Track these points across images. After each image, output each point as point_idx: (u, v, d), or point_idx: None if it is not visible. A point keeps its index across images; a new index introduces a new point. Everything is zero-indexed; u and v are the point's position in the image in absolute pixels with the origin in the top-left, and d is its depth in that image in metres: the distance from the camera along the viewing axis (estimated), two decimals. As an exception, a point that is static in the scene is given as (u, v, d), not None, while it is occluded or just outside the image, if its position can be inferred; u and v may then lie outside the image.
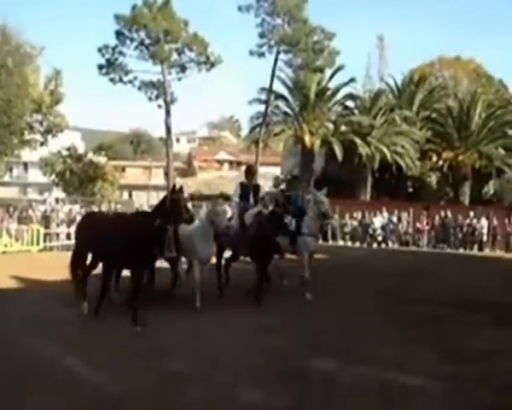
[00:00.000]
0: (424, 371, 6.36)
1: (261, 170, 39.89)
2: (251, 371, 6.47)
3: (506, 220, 30.26)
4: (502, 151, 38.25)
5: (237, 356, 7.12)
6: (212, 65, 40.82)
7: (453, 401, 5.52)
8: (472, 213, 30.48)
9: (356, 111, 39.73)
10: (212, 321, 8.97)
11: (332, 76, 39.38)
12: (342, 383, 6.06)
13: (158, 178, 56.97)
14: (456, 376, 6.15)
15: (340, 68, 38.89)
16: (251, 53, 40.14)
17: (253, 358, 7.02)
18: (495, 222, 30.29)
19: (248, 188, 11.18)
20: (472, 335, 8.29)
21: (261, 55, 40.03)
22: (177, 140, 73.37)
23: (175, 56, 40.30)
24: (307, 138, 36.78)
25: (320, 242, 29.98)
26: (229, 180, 49.64)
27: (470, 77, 46.69)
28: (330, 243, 30.45)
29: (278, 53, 39.66)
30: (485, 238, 30.07)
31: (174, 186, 9.18)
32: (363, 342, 7.77)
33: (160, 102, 40.86)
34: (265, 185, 43.46)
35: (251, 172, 11.68)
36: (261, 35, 40.01)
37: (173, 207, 8.63)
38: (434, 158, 38.45)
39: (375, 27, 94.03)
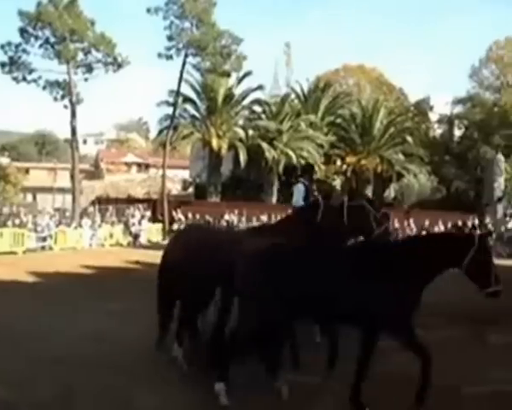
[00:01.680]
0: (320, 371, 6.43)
1: (169, 173, 39.76)
2: (149, 376, 6.41)
3: (406, 222, 31.56)
4: (401, 156, 40.03)
5: (134, 359, 7.06)
6: (120, 66, 40.13)
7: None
8: (374, 216, 31.59)
9: (263, 116, 40.35)
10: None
11: (240, 81, 39.83)
12: (236, 383, 5.97)
13: (63, 181, 55.37)
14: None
15: (247, 74, 39.37)
16: (159, 55, 39.77)
17: (151, 361, 6.98)
18: (396, 224, 31.52)
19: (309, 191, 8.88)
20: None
21: (169, 57, 39.73)
22: (85, 142, 71.57)
23: (81, 56, 39.28)
24: (215, 142, 37.08)
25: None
26: (137, 183, 49.04)
27: (373, 85, 48.44)
28: (237, 245, 30.73)
29: (186, 56, 39.53)
30: (386, 240, 31.22)
31: (351, 189, 7.35)
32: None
33: (66, 102, 39.83)
34: (173, 188, 43.38)
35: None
36: (169, 38, 39.74)
37: (356, 218, 6.94)
38: (338, 162, 39.68)
39: (283, 34, 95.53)
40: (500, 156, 36.77)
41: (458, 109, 45.97)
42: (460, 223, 30.75)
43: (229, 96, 39.17)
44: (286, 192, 39.71)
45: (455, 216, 31.69)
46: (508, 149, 39.66)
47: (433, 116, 47.79)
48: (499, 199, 35.25)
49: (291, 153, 37.00)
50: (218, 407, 5.55)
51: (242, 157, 36.30)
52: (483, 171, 38.96)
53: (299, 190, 8.49)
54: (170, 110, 39.46)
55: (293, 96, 43.41)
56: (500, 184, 35.93)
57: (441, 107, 46.74)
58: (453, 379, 6.11)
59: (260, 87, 39.87)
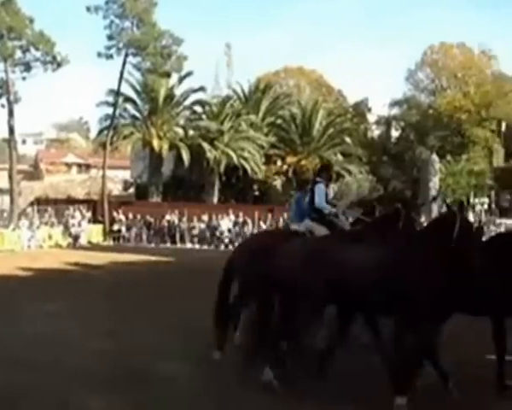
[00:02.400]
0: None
1: (110, 173, 39.44)
2: (91, 377, 6.42)
3: (344, 221, 32.28)
4: (340, 157, 40.86)
5: (76, 361, 7.03)
6: (59, 65, 39.48)
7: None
8: (313, 215, 32.21)
9: (204, 116, 40.48)
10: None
11: (181, 81, 39.87)
12: (186, 385, 6.16)
13: (1, 181, 54.09)
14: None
15: (188, 74, 39.40)
16: (99, 55, 39.33)
17: (94, 362, 6.98)
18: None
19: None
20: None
21: (109, 57, 39.37)
22: (24, 142, 70.12)
23: (19, 54, 38.53)
24: (155, 142, 37.04)
25: (168, 245, 30.72)
26: (77, 184, 48.30)
27: (312, 86, 49.23)
28: (179, 245, 30.85)
29: (127, 56, 39.25)
30: (325, 238, 31.84)
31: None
32: (205, 343, 7.70)
33: (4, 101, 38.99)
34: (114, 189, 43.01)
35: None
36: (109, 37, 39.39)
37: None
38: (279, 162, 40.12)
39: (224, 35, 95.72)
40: (435, 157, 37.98)
41: (395, 111, 47.38)
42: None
43: (170, 97, 39.16)
44: (227, 192, 40.11)
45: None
46: (442, 149, 41.09)
47: (372, 117, 49.09)
48: (434, 198, 36.40)
49: (232, 153, 37.27)
50: (160, 408, 5.69)
51: (185, 157, 36.35)
52: (419, 171, 40.16)
53: (320, 190, 8.27)
54: (110, 110, 39.15)
55: (234, 96, 43.70)
56: (435, 183, 37.12)
57: (379, 108, 48.02)
58: None
59: (201, 88, 40.07)
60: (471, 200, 36.30)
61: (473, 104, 42.47)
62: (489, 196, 37.75)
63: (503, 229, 29.22)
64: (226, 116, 39.26)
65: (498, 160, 42.01)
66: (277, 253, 6.29)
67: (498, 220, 33.61)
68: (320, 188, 8.27)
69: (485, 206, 36.53)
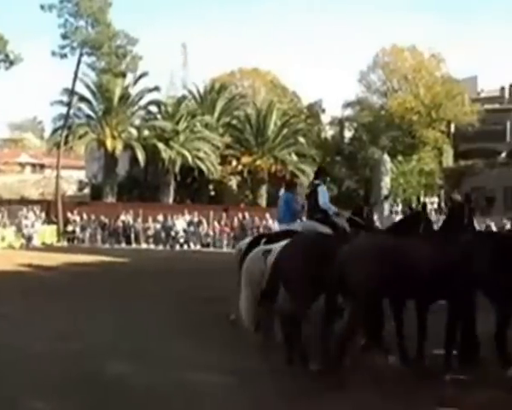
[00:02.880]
0: (219, 368, 6.66)
1: (64, 173, 39.21)
2: (40, 380, 6.35)
3: (298, 220, 32.80)
4: (295, 157, 41.45)
5: (25, 364, 6.97)
6: (12, 63, 39.08)
7: (245, 394, 5.80)
8: (268, 215, 32.62)
9: (159, 116, 40.56)
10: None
11: (136, 81, 39.85)
12: (138, 386, 6.12)
13: (-49, 181, 53.06)
14: (246, 369, 6.50)
15: (143, 74, 39.44)
16: (53, 53, 39.01)
17: (43, 365, 6.92)
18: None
19: None
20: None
21: (64, 56, 39.08)
22: (-24, 141, 68.83)
23: (-29, 52, 38.02)
24: (110, 142, 37.00)
25: (123, 245, 30.75)
26: (31, 184, 47.76)
27: (267, 87, 49.65)
28: (134, 246, 30.89)
29: (81, 55, 39.05)
30: (280, 237, 32.28)
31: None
32: (158, 343, 7.83)
33: (-46, 100, 38.38)
34: (69, 189, 42.71)
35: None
36: (64, 36, 39.12)
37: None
38: (234, 163, 40.46)
39: (180, 35, 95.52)
40: (386, 157, 38.88)
41: (348, 112, 48.11)
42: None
43: (124, 97, 39.13)
44: (182, 192, 40.28)
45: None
46: (393, 149, 41.99)
47: (325, 118, 49.73)
48: (385, 197, 37.27)
49: (187, 153, 37.47)
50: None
51: (141, 157, 36.43)
52: (371, 171, 41.04)
53: (324, 192, 8.90)
54: (64, 109, 38.86)
55: (189, 96, 43.86)
56: (386, 183, 38.01)
57: (333, 109, 48.73)
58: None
59: (156, 88, 40.19)
60: (421, 199, 37.21)
61: (423, 106, 43.47)
62: (439, 196, 38.78)
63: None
64: (181, 116, 39.44)
65: (448, 160, 43.17)
66: (345, 252, 6.72)
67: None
68: (323, 190, 8.90)
69: (435, 205, 37.54)
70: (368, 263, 6.50)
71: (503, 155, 41.72)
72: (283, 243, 7.45)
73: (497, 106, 47.17)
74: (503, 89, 48.54)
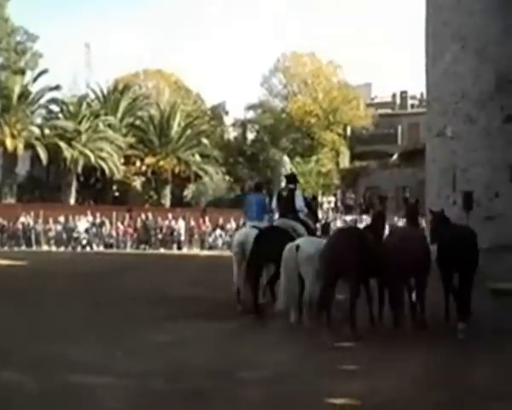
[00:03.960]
0: (107, 370, 6.49)
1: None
2: None
3: (201, 221, 33.48)
4: (198, 158, 42.16)
5: None
6: None
7: (132, 394, 5.69)
8: (171, 215, 33.12)
9: (61, 116, 40.13)
10: None
11: (35, 79, 39.25)
12: (29, 389, 5.90)
13: None
14: (135, 370, 6.41)
15: (43, 72, 38.95)
16: None
17: None
18: (192, 223, 33.28)
19: None
20: (154, 330, 8.58)
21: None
22: None
23: None
24: (9, 141, 36.18)
25: (23, 248, 29.99)
26: None
27: (171, 88, 49.97)
28: (34, 248, 30.12)
29: (-23, 51, 38.20)
30: (182, 238, 32.84)
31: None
32: (54, 346, 7.59)
33: None
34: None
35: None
36: (-42, 32, 38.09)
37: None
38: (138, 163, 40.61)
39: (84, 35, 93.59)
40: (286, 158, 40.34)
41: (251, 114, 49.39)
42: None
43: (24, 95, 38.39)
44: (85, 193, 40.07)
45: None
46: (293, 151, 43.63)
47: (229, 120, 50.83)
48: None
49: (90, 153, 37.28)
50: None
51: (43, 156, 35.89)
52: (272, 171, 42.33)
53: (300, 196, 10.34)
54: (-40, 108, 37.78)
55: (92, 96, 43.59)
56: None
57: (236, 112, 49.89)
58: (235, 364, 6.65)
59: (58, 87, 39.72)
60: (319, 198, 38.89)
61: (321, 109, 45.36)
62: (335, 195, 40.69)
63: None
64: (84, 116, 39.17)
65: (344, 161, 45.25)
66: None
67: (344, 217, 36.41)
68: (299, 194, 10.46)
69: (332, 204, 39.40)
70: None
71: (395, 156, 44.20)
72: (305, 238, 9.26)
73: (389, 111, 49.96)
74: (394, 95, 51.47)
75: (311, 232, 10.11)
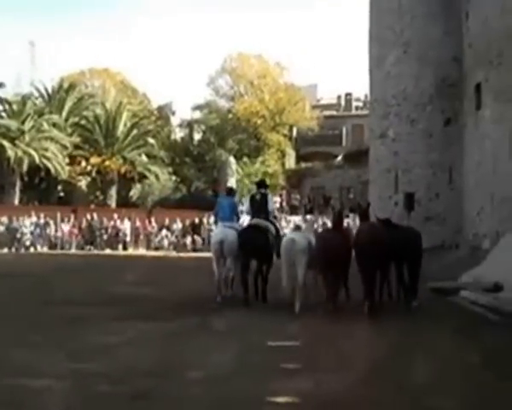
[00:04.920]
0: (51, 372, 6.43)
1: None
2: None
3: (147, 221, 33.36)
4: (144, 158, 41.90)
5: None
6: None
7: (76, 396, 5.64)
8: (116, 215, 32.88)
9: (4, 114, 39.26)
10: None
11: (-23, 77, 38.30)
12: None
13: None
14: (79, 372, 6.36)
15: (-15, 70, 38.06)
16: None
17: None
18: (138, 223, 33.13)
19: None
20: (99, 331, 8.58)
21: None
22: None
23: None
24: None
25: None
26: None
27: (117, 88, 49.43)
28: (-25, 250, 29.61)
29: None
30: (128, 238, 32.67)
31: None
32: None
33: None
34: None
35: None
36: None
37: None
38: (83, 163, 40.04)
39: (28, 32, 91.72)
40: (232, 159, 40.45)
41: (197, 115, 49.34)
42: (197, 220, 33.23)
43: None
44: (30, 193, 39.31)
45: (192, 214, 34.09)
46: (240, 152, 43.78)
47: (175, 120, 50.65)
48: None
49: (34, 153, 36.59)
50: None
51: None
52: (218, 172, 42.43)
53: (271, 200, 11.91)
54: None
55: (36, 95, 42.81)
56: (232, 183, 39.51)
57: (183, 112, 49.75)
58: (179, 365, 6.69)
59: (1, 85, 38.95)
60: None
61: (267, 110, 45.64)
62: (281, 196, 41.04)
63: (292, 225, 32.19)
64: (28, 115, 38.42)
65: (290, 162, 45.69)
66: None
67: (289, 217, 36.77)
68: (271, 198, 12.02)
69: (277, 204, 39.74)
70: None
71: (339, 158, 44.85)
72: (298, 233, 10.72)
73: (334, 113, 50.72)
74: (339, 97, 52.31)
75: (277, 231, 11.47)
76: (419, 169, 20.76)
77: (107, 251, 30.96)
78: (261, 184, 11.89)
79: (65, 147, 38.64)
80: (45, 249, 30.83)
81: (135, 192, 42.72)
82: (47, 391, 5.81)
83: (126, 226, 32.60)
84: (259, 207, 11.18)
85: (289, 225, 31.96)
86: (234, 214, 11.65)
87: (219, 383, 6.03)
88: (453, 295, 11.31)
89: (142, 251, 31.53)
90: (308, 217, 37.84)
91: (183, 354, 7.30)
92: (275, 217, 12.66)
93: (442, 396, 5.58)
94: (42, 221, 31.58)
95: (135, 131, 41.98)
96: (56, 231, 32.01)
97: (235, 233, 10.99)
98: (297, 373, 6.43)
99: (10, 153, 35.90)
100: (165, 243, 32.41)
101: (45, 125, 38.89)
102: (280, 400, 5.55)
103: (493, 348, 7.56)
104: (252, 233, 10.79)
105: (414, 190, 20.17)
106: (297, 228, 11.73)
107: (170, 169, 43.02)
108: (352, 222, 26.69)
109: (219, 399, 5.57)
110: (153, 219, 33.52)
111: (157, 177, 40.97)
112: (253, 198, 11.47)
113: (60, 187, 41.04)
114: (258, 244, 10.52)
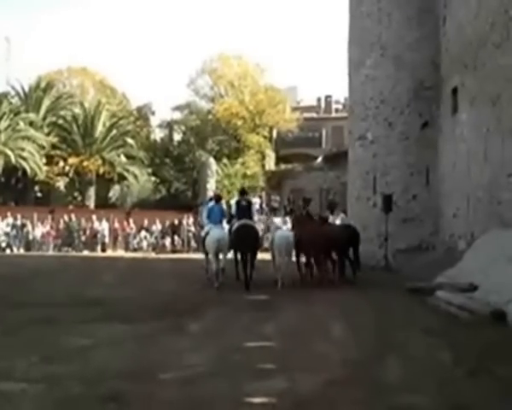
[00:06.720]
0: (24, 375, 6.37)
1: None
2: None
3: (126, 222, 33.18)
4: (123, 158, 41.65)
5: None
6: None
7: (48, 399, 5.59)
8: (95, 217, 32.65)
9: (-21, 113, 38.78)
10: None
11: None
12: None
13: None
14: (51, 375, 6.29)
15: (-39, 68, 37.55)
16: None
17: None
18: (116, 224, 32.94)
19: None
20: (72, 333, 8.52)
21: None
22: None
23: None
24: None
25: None
26: None
27: (96, 87, 49.14)
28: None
29: None
30: (107, 240, 32.44)
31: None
32: None
33: None
34: None
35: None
36: None
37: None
38: (61, 163, 39.68)
39: (4, 29, 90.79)
40: (212, 160, 40.37)
41: (177, 115, 49.24)
42: (176, 221, 33.14)
43: None
44: (6, 194, 38.89)
45: (171, 215, 34.01)
46: (220, 153, 43.74)
47: (155, 121, 50.49)
48: (210, 199, 38.62)
49: (10, 153, 36.18)
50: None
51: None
52: (198, 173, 42.34)
53: (256, 206, 16.22)
54: None
55: (12, 93, 42.37)
56: (212, 185, 39.49)
57: (163, 112, 49.56)
58: (152, 366, 6.66)
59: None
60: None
61: (248, 112, 45.62)
62: (261, 197, 41.00)
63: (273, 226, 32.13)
64: (3, 114, 37.98)
65: (270, 163, 45.68)
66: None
67: (269, 219, 36.83)
68: (256, 203, 16.95)
69: (257, 206, 39.71)
70: None
71: (319, 159, 44.95)
72: (285, 231, 14.63)
73: (314, 115, 50.87)
74: (319, 99, 52.50)
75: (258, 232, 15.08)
76: (397, 171, 20.89)
77: (85, 252, 30.69)
78: (244, 192, 14.94)
79: (42, 147, 38.24)
80: (22, 251, 30.50)
81: (114, 193, 42.48)
82: (20, 395, 5.77)
83: (105, 228, 32.36)
84: (245, 211, 13.91)
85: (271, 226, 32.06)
86: (222, 217, 14.27)
87: (194, 384, 6.01)
88: (429, 296, 11.41)
89: (120, 252, 31.27)
90: (287, 218, 37.94)
91: (157, 355, 7.26)
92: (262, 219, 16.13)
93: (415, 393, 5.64)
94: (18, 222, 31.19)
95: (114, 132, 41.70)
96: (33, 232, 31.67)
97: (227, 233, 13.94)
98: (273, 373, 6.42)
99: (-14, 153, 35.46)
100: (144, 244, 32.28)
101: (22, 125, 38.49)
102: (256, 400, 5.55)
103: (465, 346, 7.67)
104: (247, 229, 13.58)
105: (392, 192, 20.28)
106: (285, 223, 15.07)
107: (149, 170, 42.84)
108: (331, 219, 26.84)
109: (194, 400, 5.54)
110: (131, 221, 33.32)
111: (136, 178, 40.76)
112: (238, 204, 14.09)
113: (37, 187, 40.67)
114: (253, 237, 13.59)
